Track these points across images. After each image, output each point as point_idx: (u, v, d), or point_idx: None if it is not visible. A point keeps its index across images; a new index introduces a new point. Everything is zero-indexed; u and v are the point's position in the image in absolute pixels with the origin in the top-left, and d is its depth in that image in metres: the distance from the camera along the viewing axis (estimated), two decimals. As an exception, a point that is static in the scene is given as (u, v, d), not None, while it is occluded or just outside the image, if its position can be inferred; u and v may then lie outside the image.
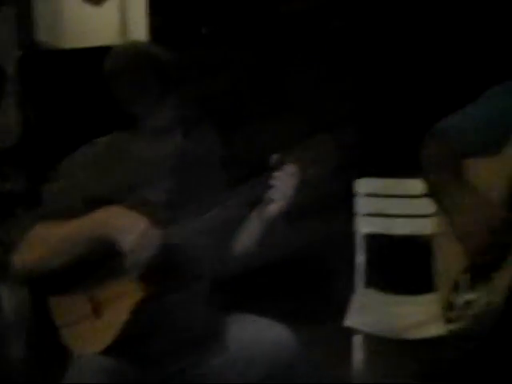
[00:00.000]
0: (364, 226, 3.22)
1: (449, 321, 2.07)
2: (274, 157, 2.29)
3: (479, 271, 2.02)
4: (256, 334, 2.31)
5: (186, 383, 2.28)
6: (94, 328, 2.24)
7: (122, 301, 2.21)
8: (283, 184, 2.26)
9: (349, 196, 3.25)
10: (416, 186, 2.90)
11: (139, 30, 4.40)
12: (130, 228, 2.16)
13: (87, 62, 3.87)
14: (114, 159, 2.33)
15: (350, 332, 2.86)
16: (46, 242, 2.20)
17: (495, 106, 2.17)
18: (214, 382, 2.28)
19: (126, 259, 2.17)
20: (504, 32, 3.68)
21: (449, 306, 2.09)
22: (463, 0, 3.85)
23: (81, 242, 2.18)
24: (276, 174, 2.26)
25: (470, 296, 2.03)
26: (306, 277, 3.74)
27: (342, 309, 2.94)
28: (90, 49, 4.22)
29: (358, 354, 2.85)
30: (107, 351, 2.19)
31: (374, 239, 3.21)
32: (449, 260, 2.16)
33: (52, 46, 4.40)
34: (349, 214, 3.23)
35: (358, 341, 2.86)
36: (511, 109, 2.12)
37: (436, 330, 2.39)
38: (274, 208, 2.27)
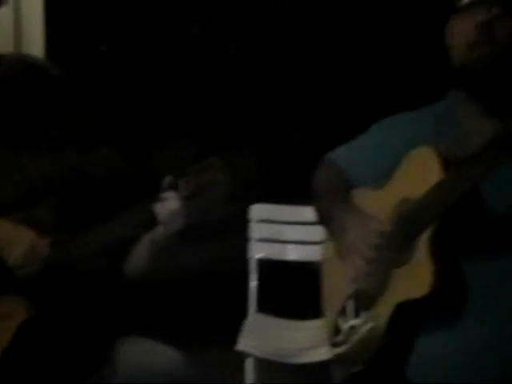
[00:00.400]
0: (257, 251, 3.29)
1: (335, 345, 2.12)
2: (167, 179, 2.28)
3: (363, 297, 2.07)
4: (147, 358, 2.32)
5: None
6: None
7: (5, 321, 2.17)
8: (172, 206, 2.26)
9: (243, 221, 3.31)
10: (308, 213, 2.91)
11: (35, 43, 4.39)
12: (15, 242, 2.14)
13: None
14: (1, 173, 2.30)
15: (242, 356, 2.92)
16: None
17: (380, 139, 2.25)
18: None
19: (11, 275, 2.14)
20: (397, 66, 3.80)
21: (335, 331, 2.13)
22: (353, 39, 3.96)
23: None
24: (166, 195, 2.26)
25: (354, 321, 2.07)
26: (200, 301, 3.77)
27: (235, 333, 2.99)
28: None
29: (250, 377, 2.91)
30: None
31: (266, 264, 3.27)
32: (336, 286, 2.21)
33: None
34: (243, 238, 3.29)
35: (249, 364, 2.92)
36: (395, 143, 2.18)
37: (324, 354, 2.39)
38: (161, 230, 2.28)
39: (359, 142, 2.31)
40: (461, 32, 2.04)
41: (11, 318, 2.16)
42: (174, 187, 2.27)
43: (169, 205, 2.26)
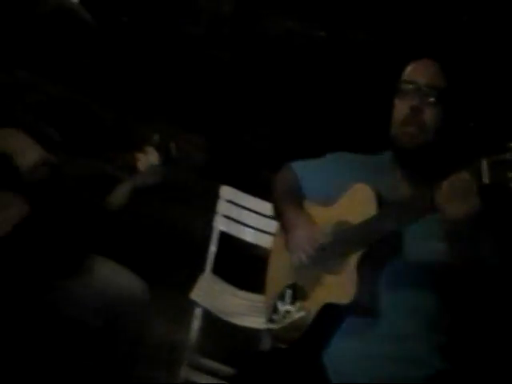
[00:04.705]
0: (221, 225, 3.23)
1: (271, 321, 2.18)
2: (155, 137, 2.32)
3: (300, 290, 2.13)
4: (118, 277, 2.36)
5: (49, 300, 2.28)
6: None
7: (6, 211, 2.18)
8: (153, 161, 2.30)
9: (215, 195, 3.26)
10: (267, 206, 2.99)
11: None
12: (28, 151, 2.13)
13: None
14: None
15: (193, 304, 2.91)
16: None
17: (332, 167, 2.28)
18: (75, 308, 2.29)
19: (22, 176, 2.14)
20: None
21: (273, 309, 2.18)
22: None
23: None
24: (150, 150, 2.30)
25: (290, 307, 2.13)
26: (166, 250, 3.72)
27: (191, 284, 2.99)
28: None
29: (196, 324, 2.90)
30: None
31: (226, 237, 3.23)
32: (278, 274, 2.26)
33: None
34: (212, 210, 3.25)
35: (197, 312, 2.91)
36: (342, 174, 2.21)
37: (259, 323, 2.47)
38: (140, 179, 2.32)
39: (316, 162, 2.35)
40: (398, 110, 2.09)
41: (10, 209, 2.17)
42: (158, 146, 2.31)
43: (150, 159, 2.30)
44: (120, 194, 2.43)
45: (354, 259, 2.00)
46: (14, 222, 2.16)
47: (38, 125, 2.25)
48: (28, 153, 2.13)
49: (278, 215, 2.33)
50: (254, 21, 4.29)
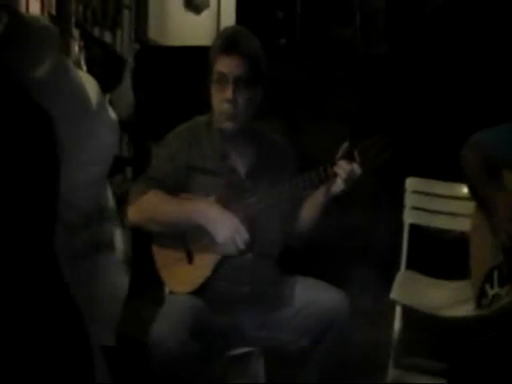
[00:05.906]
0: (410, 218, 3.06)
1: (480, 306, 2.05)
2: (345, 145, 2.27)
3: (507, 271, 1.99)
4: (317, 293, 2.33)
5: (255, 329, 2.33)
6: (186, 271, 2.33)
7: (210, 253, 2.29)
8: (348, 169, 2.24)
9: (399, 190, 3.11)
10: (457, 188, 2.86)
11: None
12: (223, 223, 2.23)
13: (185, 57, 4.07)
14: (207, 134, 2.36)
15: (393, 303, 2.79)
16: (153, 210, 2.30)
17: None
18: (279, 332, 2.32)
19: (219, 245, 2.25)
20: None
21: (482, 294, 2.05)
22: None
23: (180, 223, 2.29)
24: (344, 160, 2.25)
25: (498, 290, 1.99)
26: (360, 255, 3.61)
27: (389, 284, 2.86)
28: (188, 47, 4.40)
29: (398, 323, 2.79)
30: (194, 292, 2.29)
31: (418, 229, 3.07)
32: (482, 256, 2.11)
33: (160, 43, 4.52)
34: (399, 205, 3.10)
35: (398, 311, 2.79)
36: None
37: (465, 311, 2.34)
38: (340, 184, 2.26)
39: (507, 128, 2.16)
40: None
41: (214, 252, 2.28)
42: (349, 154, 2.25)
43: (351, 166, 2.24)
44: (309, 214, 2.41)
45: None
46: (213, 264, 2.30)
47: None
48: (222, 225, 2.23)
49: (474, 194, 2.18)
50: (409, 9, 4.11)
